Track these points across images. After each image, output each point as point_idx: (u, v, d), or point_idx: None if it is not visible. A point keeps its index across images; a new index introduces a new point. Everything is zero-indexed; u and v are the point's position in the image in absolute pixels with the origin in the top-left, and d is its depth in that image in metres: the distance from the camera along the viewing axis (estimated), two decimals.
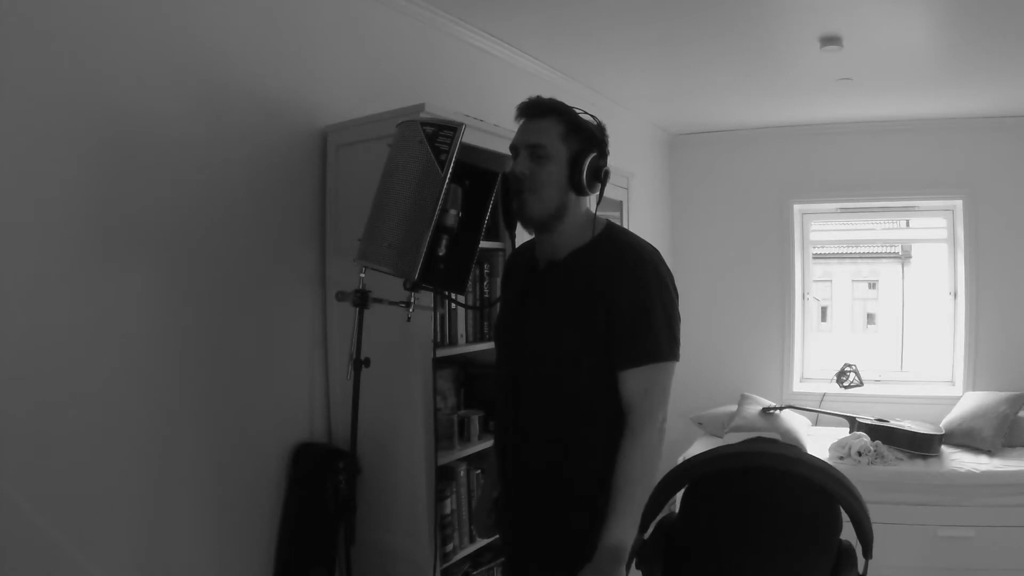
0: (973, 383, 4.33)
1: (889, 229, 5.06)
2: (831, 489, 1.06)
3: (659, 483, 1.19)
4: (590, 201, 1.52)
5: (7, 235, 1.51)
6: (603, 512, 1.35)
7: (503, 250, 2.35)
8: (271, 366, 2.11)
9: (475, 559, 2.29)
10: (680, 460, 4.19)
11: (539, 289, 1.51)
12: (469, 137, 1.75)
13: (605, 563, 1.31)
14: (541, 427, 1.46)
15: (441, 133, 1.62)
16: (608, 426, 1.41)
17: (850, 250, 5.13)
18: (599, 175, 1.48)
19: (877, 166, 4.55)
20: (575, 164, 1.45)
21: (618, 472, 1.37)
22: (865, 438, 3.79)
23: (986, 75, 3.45)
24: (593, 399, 1.42)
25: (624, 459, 1.37)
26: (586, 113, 1.50)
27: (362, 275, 1.76)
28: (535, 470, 1.48)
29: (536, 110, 1.48)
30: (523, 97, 1.51)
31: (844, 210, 4.84)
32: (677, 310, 1.46)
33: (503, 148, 2.20)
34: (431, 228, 1.59)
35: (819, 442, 3.99)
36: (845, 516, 1.09)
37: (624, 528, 1.33)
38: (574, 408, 1.43)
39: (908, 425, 3.86)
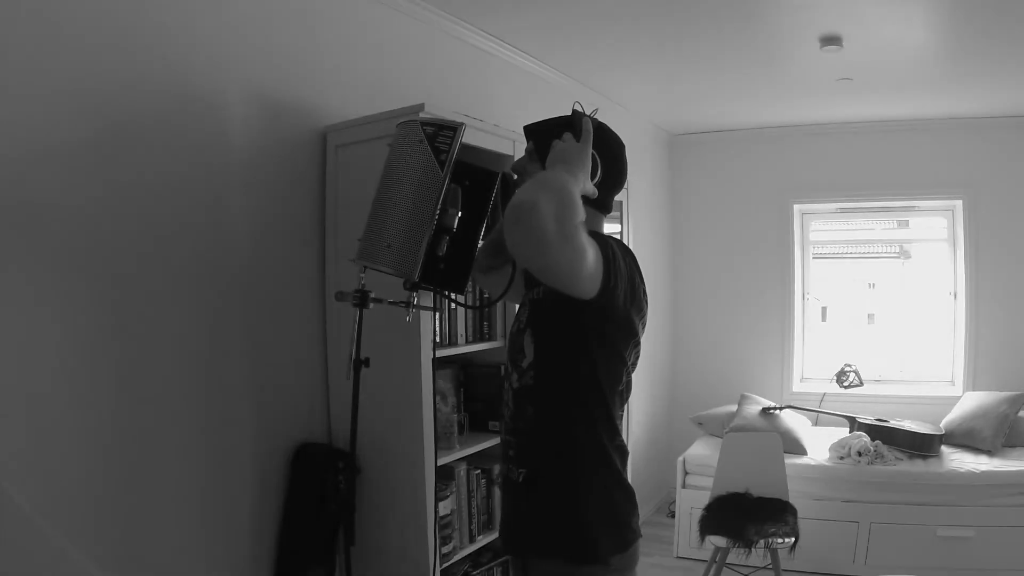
0: (973, 383, 4.33)
1: (889, 229, 5.05)
2: None
3: None
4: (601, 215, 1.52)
5: (8, 236, 1.50)
6: (585, 503, 1.38)
7: None
8: (271, 366, 2.11)
9: (475, 559, 2.29)
10: (680, 460, 4.21)
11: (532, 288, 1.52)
12: (469, 137, 1.75)
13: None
14: (527, 426, 1.48)
15: (441, 133, 1.62)
16: (586, 427, 1.41)
17: (850, 250, 5.12)
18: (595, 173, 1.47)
19: (877, 166, 4.55)
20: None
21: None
22: (865, 438, 3.79)
23: (986, 75, 3.45)
24: (569, 400, 1.42)
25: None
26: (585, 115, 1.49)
27: (362, 275, 1.75)
28: (522, 468, 1.49)
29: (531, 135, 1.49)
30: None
31: (844, 210, 4.85)
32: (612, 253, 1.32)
33: (503, 148, 2.21)
34: (431, 228, 1.59)
35: (819, 442, 3.99)
36: None
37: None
38: (553, 408, 1.44)
39: (908, 425, 3.86)
